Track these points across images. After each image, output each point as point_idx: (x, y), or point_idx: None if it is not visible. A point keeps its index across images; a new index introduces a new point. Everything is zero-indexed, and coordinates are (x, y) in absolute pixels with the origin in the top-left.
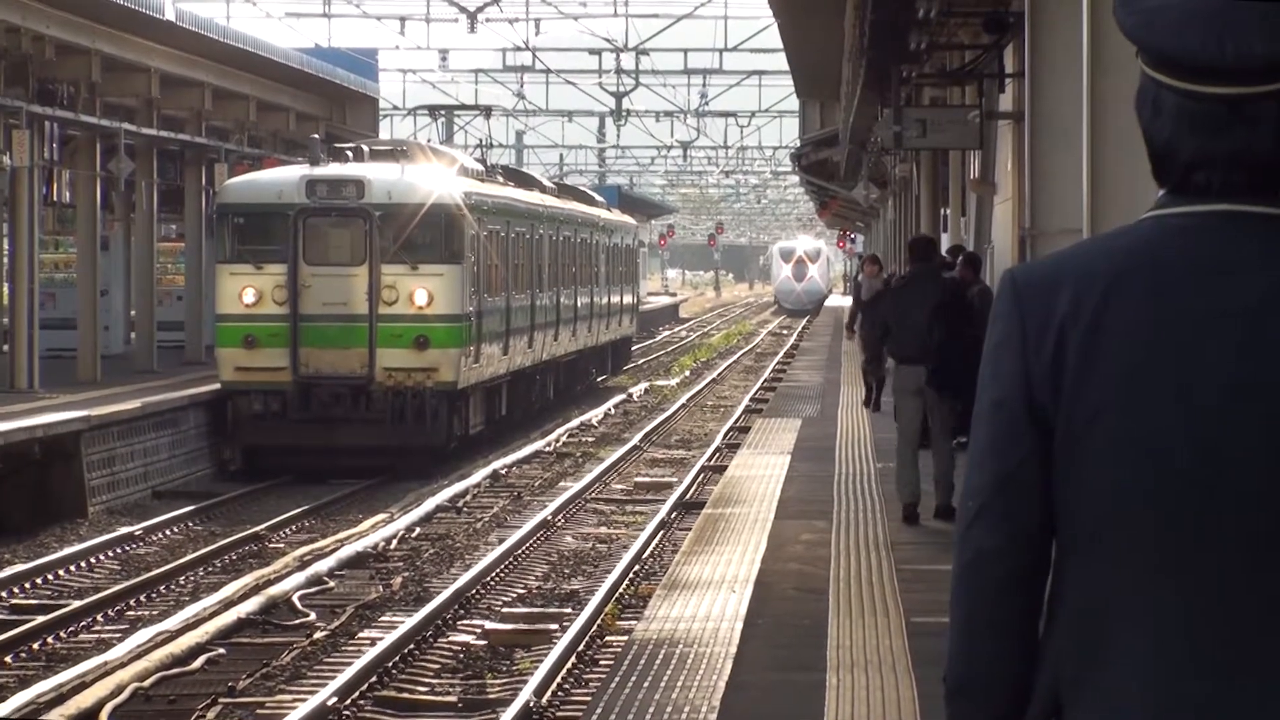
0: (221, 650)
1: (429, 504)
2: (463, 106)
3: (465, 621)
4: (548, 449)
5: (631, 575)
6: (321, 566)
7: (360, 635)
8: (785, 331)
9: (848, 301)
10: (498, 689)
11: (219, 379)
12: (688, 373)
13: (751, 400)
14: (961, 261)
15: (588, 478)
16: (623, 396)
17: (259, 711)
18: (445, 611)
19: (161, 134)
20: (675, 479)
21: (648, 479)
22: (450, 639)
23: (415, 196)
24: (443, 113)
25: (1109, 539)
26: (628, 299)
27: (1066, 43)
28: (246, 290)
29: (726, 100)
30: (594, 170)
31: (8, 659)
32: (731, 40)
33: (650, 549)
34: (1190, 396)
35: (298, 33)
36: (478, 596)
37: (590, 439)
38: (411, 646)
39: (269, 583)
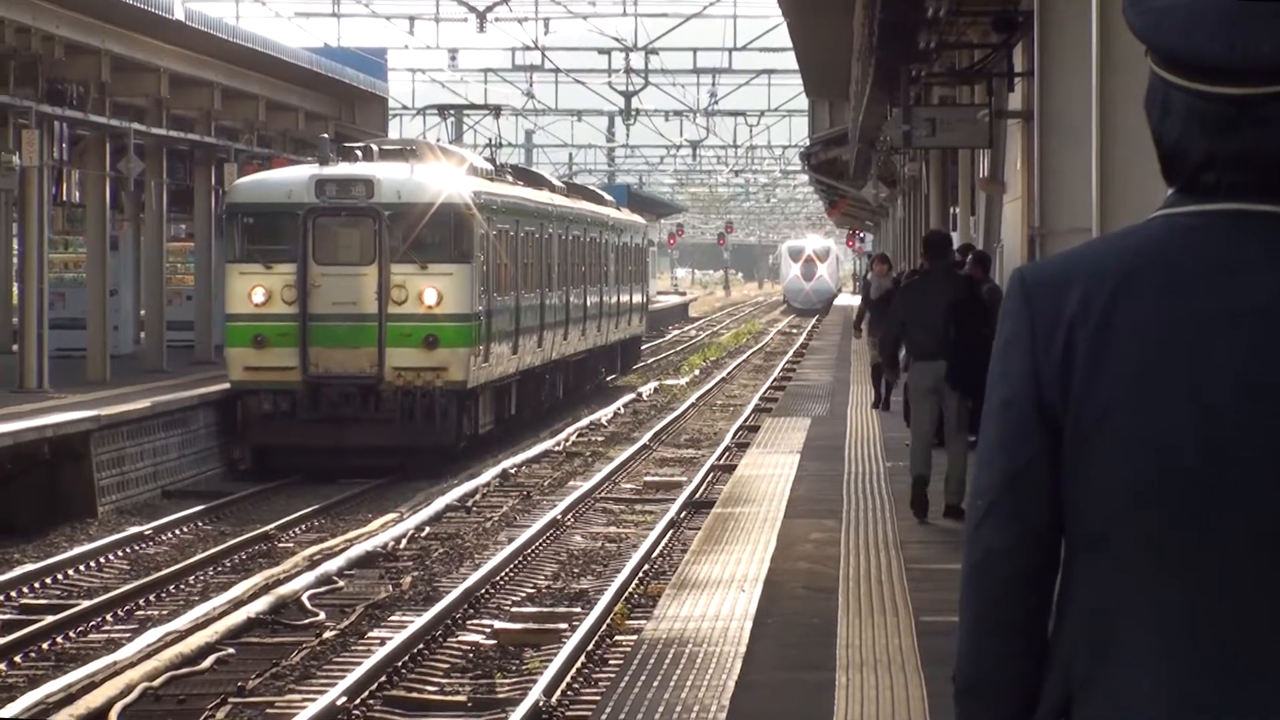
0: (231, 650)
1: (438, 503)
2: (472, 106)
3: (475, 621)
4: (557, 448)
5: (641, 574)
6: (331, 566)
7: (370, 635)
8: (795, 331)
9: (857, 300)
10: (507, 688)
11: (228, 379)
12: (697, 372)
13: (761, 399)
14: (971, 260)
15: (597, 477)
16: (632, 396)
17: (268, 711)
18: (455, 611)
19: (171, 134)
20: (685, 478)
21: (657, 478)
22: (460, 638)
23: (425, 196)
24: (452, 112)
25: (1117, 538)
26: (637, 298)
27: (1076, 42)
28: (256, 290)
29: (736, 99)
30: (603, 169)
31: (17, 659)
32: (741, 39)
33: (660, 548)
34: (1200, 396)
35: (307, 32)
36: (487, 596)
37: (600, 438)
38: (421, 646)
39: (278, 582)
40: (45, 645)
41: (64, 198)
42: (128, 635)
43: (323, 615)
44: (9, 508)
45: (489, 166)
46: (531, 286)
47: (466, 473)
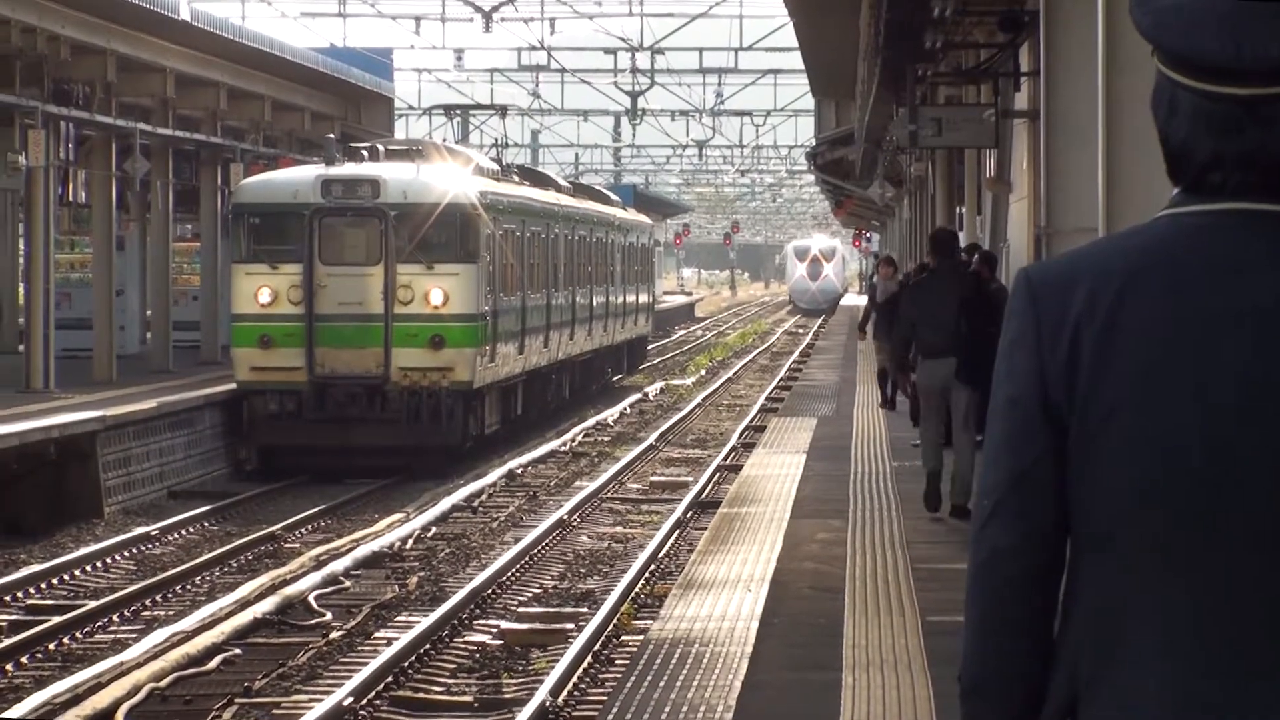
0: (237, 650)
1: (445, 504)
2: (478, 106)
3: (481, 621)
4: (563, 448)
5: (647, 575)
6: (337, 566)
7: (376, 635)
8: (801, 330)
9: (863, 301)
10: (514, 689)
11: (234, 379)
12: (703, 372)
13: (767, 399)
14: (978, 260)
15: (603, 477)
16: (638, 396)
17: (275, 712)
18: (461, 611)
19: (177, 134)
20: (691, 478)
21: (663, 478)
22: (466, 639)
23: (431, 196)
24: (458, 112)
25: (1123, 537)
26: (643, 298)
27: (1082, 41)
28: (262, 290)
29: (742, 99)
30: (609, 169)
31: (24, 659)
32: (747, 39)
33: (666, 548)
34: (1206, 395)
35: (313, 32)
36: (494, 596)
37: (606, 438)
38: (427, 646)
39: (285, 583)
40: (51, 646)
41: (70, 198)
42: (134, 636)
43: (329, 615)
44: (15, 508)
45: (495, 166)
46: (537, 286)
47: (473, 473)
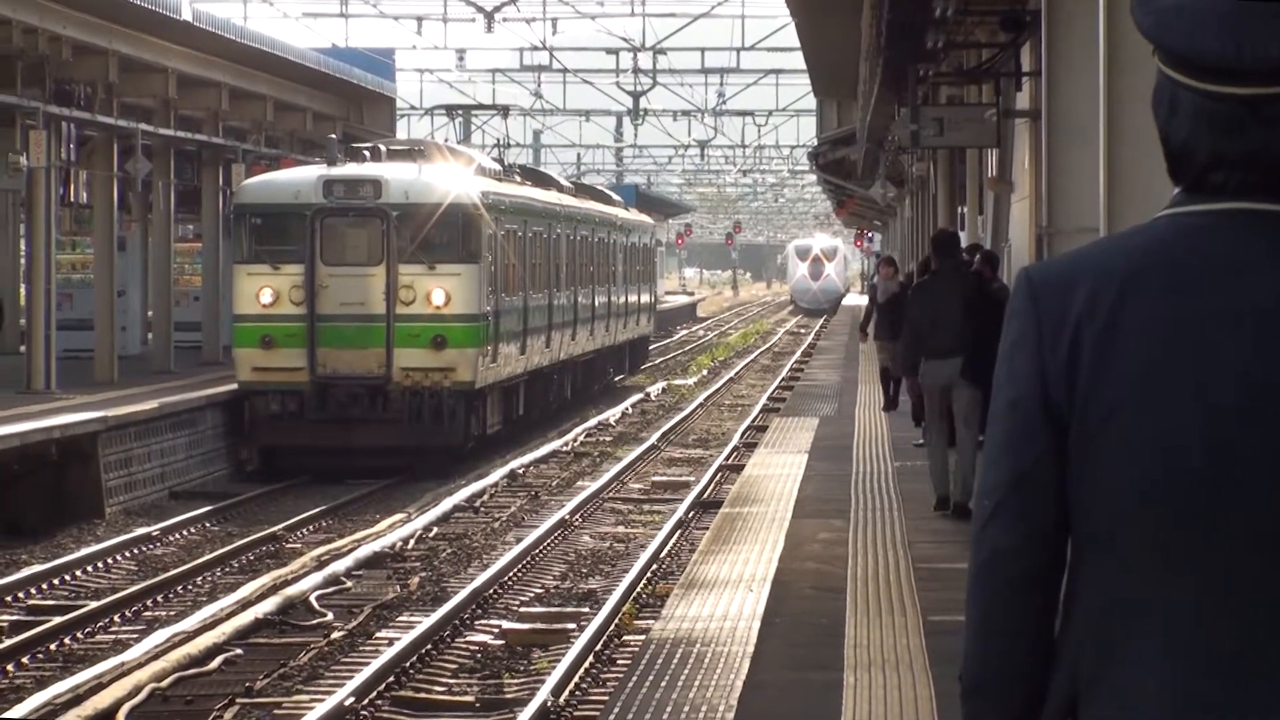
0: (239, 651)
1: (446, 504)
2: (480, 106)
3: (483, 621)
4: (565, 448)
5: (649, 575)
6: (339, 567)
7: (378, 635)
8: (803, 330)
9: (864, 301)
10: (515, 689)
11: (236, 379)
12: (705, 372)
13: (769, 399)
14: (980, 259)
15: (605, 477)
16: (640, 396)
17: (276, 712)
18: (463, 611)
19: (178, 134)
20: (693, 478)
21: (665, 478)
22: (468, 639)
23: (433, 196)
24: (460, 112)
25: (1123, 537)
26: (645, 298)
27: (1083, 41)
28: (264, 290)
29: (744, 99)
30: (611, 169)
31: (25, 660)
32: (749, 39)
33: (668, 548)
34: (1206, 395)
35: (315, 33)
36: (495, 596)
37: (608, 438)
38: (429, 646)
39: (286, 583)
40: (53, 646)
41: (71, 198)
42: (135, 636)
43: (330, 616)
44: (16, 509)
45: (497, 167)
46: (539, 287)
47: (474, 473)
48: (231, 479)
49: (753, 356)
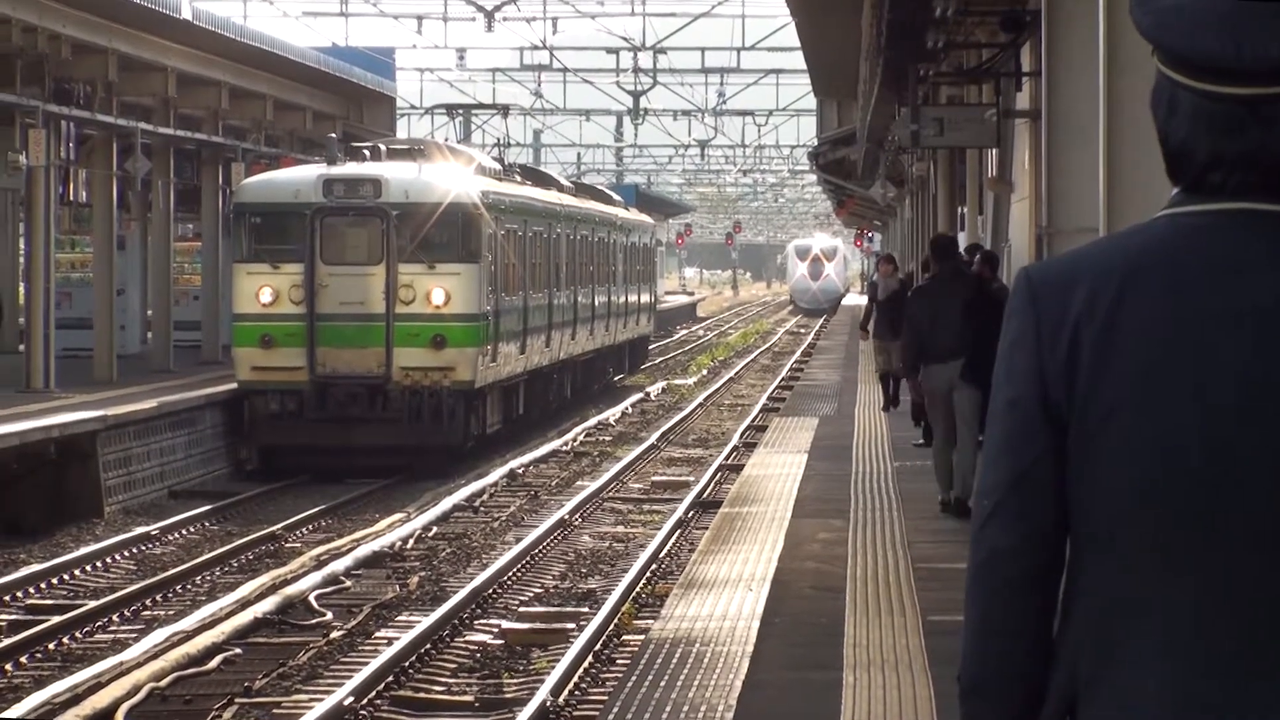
0: (238, 650)
1: (446, 503)
2: (480, 105)
3: (482, 621)
4: (565, 448)
5: (648, 574)
6: (338, 566)
7: (377, 635)
8: (803, 330)
9: (864, 301)
10: (514, 688)
11: (235, 378)
12: (705, 371)
13: (769, 399)
14: (979, 259)
15: (605, 477)
16: (640, 395)
17: (275, 711)
18: (462, 611)
19: (178, 133)
20: (692, 478)
21: (665, 478)
22: (467, 638)
23: (433, 195)
24: (460, 112)
25: (1122, 537)
26: (645, 298)
27: (1083, 41)
28: (263, 290)
29: (744, 99)
30: (611, 169)
31: (23, 659)
32: (749, 39)
33: (667, 548)
34: (1205, 395)
35: (315, 32)
36: (495, 596)
37: (607, 438)
38: (428, 646)
39: (285, 582)
40: (51, 646)
41: (71, 197)
42: (134, 636)
43: (330, 615)
44: (15, 508)
45: (497, 166)
46: (539, 286)
47: (474, 473)
48: (231, 478)
49: (752, 356)
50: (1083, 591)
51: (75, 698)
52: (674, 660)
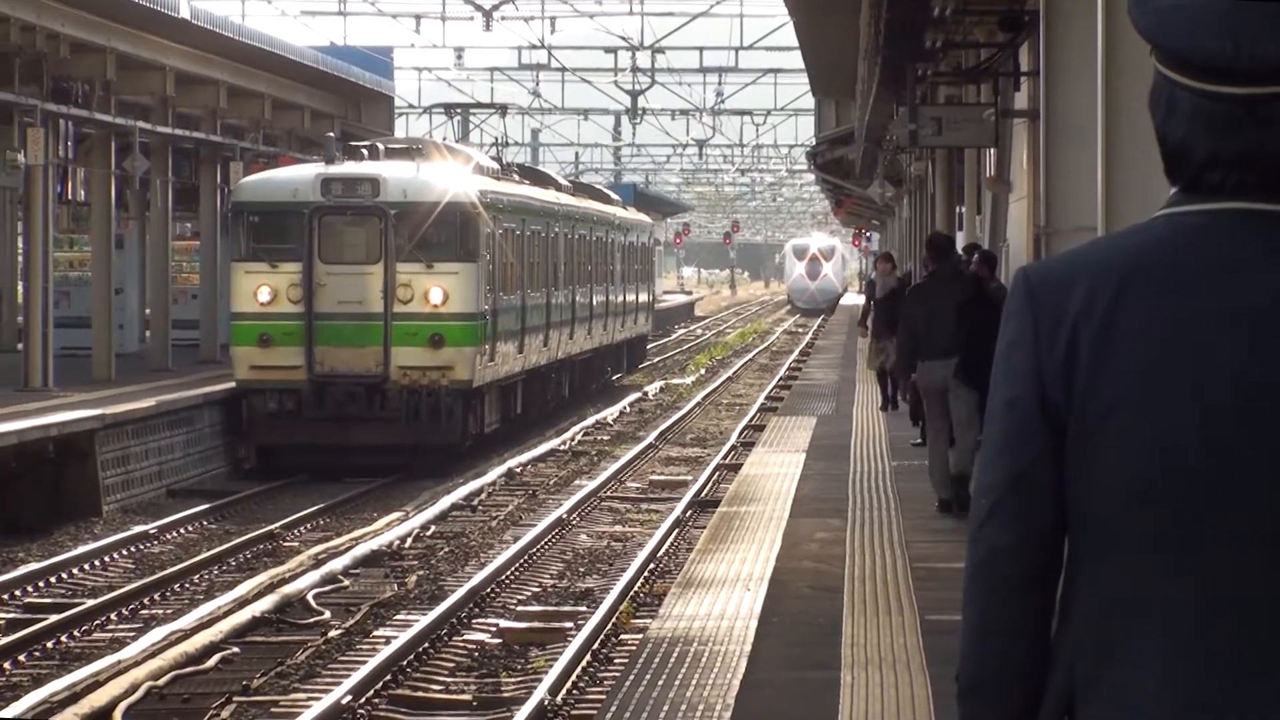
0: (236, 649)
1: (444, 502)
2: (478, 105)
3: (480, 620)
4: (563, 447)
5: (646, 573)
6: (336, 565)
7: (375, 634)
8: (801, 330)
9: (862, 300)
10: (512, 687)
11: (234, 377)
12: (703, 371)
13: (767, 398)
14: (977, 259)
15: (603, 476)
16: (638, 395)
17: (273, 710)
18: (460, 610)
19: (176, 132)
20: (690, 477)
21: (663, 477)
22: (465, 637)
23: (431, 195)
24: (458, 111)
25: (1121, 537)
26: (643, 297)
27: (1082, 41)
28: (261, 288)
29: (742, 98)
30: (609, 168)
31: (21, 658)
32: (747, 38)
33: (665, 547)
34: (1204, 395)
35: (313, 31)
36: (493, 595)
37: (605, 437)
38: (426, 645)
39: (283, 581)
40: (49, 644)
41: (69, 196)
42: (132, 634)
43: (328, 614)
44: (14, 507)
45: (495, 165)
46: (537, 285)
47: (472, 472)
48: (229, 477)
49: (750, 356)
50: (1081, 591)
51: (73, 696)
52: (672, 659)
